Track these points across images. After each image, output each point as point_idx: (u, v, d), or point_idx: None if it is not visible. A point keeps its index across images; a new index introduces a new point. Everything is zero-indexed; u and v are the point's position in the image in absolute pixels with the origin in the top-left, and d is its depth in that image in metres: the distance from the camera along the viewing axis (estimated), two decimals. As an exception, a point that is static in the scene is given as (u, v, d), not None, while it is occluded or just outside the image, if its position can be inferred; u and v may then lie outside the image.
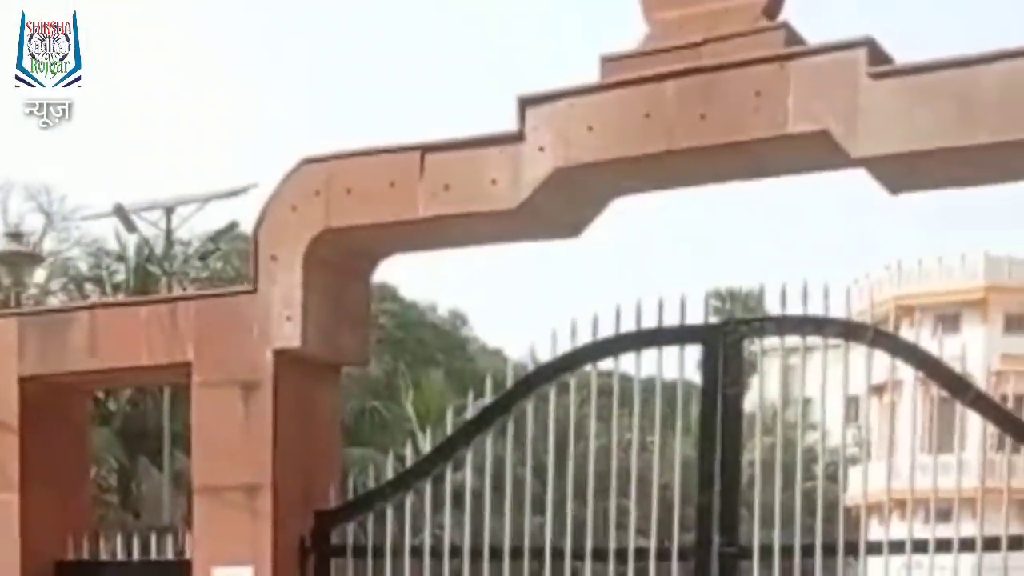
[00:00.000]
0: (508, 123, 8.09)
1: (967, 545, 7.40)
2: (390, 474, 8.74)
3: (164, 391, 28.69)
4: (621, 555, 8.13)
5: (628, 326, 8.10)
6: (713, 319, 8.17)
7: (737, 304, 64.01)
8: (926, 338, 7.86)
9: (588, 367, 8.34)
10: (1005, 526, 7.27)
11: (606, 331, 8.17)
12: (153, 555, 9.21)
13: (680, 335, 8.03)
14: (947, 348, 7.65)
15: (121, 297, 29.65)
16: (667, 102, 7.70)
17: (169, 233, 30.30)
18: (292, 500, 8.70)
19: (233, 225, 31.62)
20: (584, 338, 8.22)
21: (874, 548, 7.63)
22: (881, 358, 7.70)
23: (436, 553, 8.56)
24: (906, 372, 7.73)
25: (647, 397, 8.04)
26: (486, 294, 78.11)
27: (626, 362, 8.23)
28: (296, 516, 8.73)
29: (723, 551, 7.81)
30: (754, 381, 26.89)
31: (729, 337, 7.90)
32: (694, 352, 8.07)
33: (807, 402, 8.15)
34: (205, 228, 35.05)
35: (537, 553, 8.31)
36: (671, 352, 8.06)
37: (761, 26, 7.58)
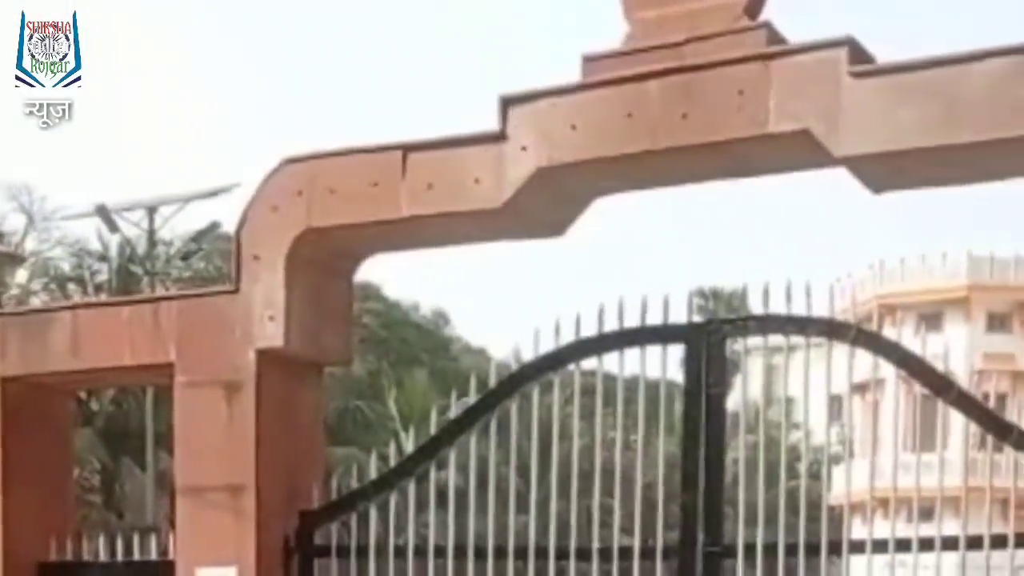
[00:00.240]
0: (490, 123, 8.09)
1: (950, 544, 7.41)
2: (374, 474, 8.73)
3: (147, 391, 28.70)
4: (605, 554, 8.14)
5: (611, 325, 8.11)
6: (696, 318, 8.17)
7: (720, 303, 64.08)
8: (909, 337, 7.85)
9: (571, 366, 8.35)
10: (988, 525, 7.27)
11: (589, 330, 8.17)
12: (136, 556, 9.20)
13: (663, 334, 8.03)
14: (930, 347, 7.67)
15: (103, 297, 29.60)
16: (649, 102, 7.70)
17: (151, 233, 30.32)
18: (276, 500, 8.68)
19: (215, 225, 31.67)
20: (567, 337, 8.23)
21: (857, 547, 7.65)
22: (864, 357, 7.70)
23: (420, 552, 8.56)
24: (889, 371, 7.74)
25: (631, 396, 8.06)
26: (469, 293, 78.10)
27: (609, 361, 8.24)
28: (280, 516, 8.72)
29: (707, 550, 7.82)
30: (737, 380, 26.88)
31: (712, 336, 7.91)
32: (677, 351, 8.08)
33: (790, 401, 8.15)
34: (187, 228, 35.12)
35: (521, 552, 8.30)
36: (654, 351, 8.07)
37: (742, 26, 7.58)
